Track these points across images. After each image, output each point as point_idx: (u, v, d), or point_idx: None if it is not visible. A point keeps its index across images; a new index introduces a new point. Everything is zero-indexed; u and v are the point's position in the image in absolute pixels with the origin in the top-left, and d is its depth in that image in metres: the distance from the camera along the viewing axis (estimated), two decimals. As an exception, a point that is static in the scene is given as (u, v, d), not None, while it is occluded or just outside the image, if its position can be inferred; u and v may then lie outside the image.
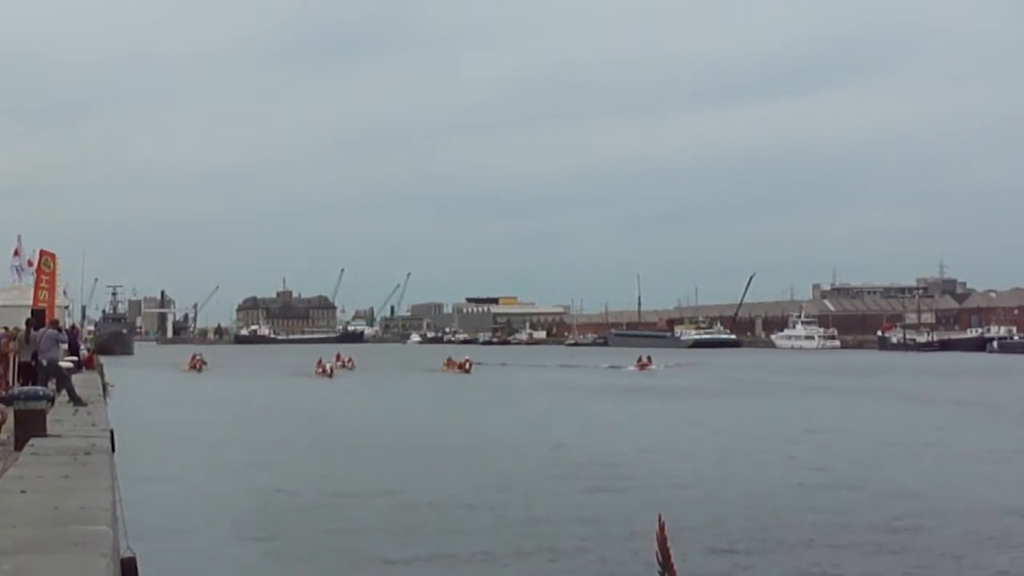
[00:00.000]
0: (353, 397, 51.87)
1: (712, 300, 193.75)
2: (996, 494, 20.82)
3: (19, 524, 5.93)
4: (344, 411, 43.13)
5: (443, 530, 17.33)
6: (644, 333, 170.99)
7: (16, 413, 10.92)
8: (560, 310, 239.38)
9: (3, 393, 14.13)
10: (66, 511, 6.44)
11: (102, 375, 28.29)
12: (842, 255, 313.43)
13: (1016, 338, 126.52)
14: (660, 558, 6.88)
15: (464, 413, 41.86)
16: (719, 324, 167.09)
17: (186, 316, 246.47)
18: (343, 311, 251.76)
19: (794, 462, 25.70)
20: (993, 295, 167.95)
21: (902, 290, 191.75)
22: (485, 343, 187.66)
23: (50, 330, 17.72)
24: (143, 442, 25.74)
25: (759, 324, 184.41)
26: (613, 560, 15.21)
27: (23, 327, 18.96)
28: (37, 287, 28.33)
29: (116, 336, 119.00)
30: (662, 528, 6.84)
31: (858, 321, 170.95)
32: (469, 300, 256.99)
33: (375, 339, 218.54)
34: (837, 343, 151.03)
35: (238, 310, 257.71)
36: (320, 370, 70.12)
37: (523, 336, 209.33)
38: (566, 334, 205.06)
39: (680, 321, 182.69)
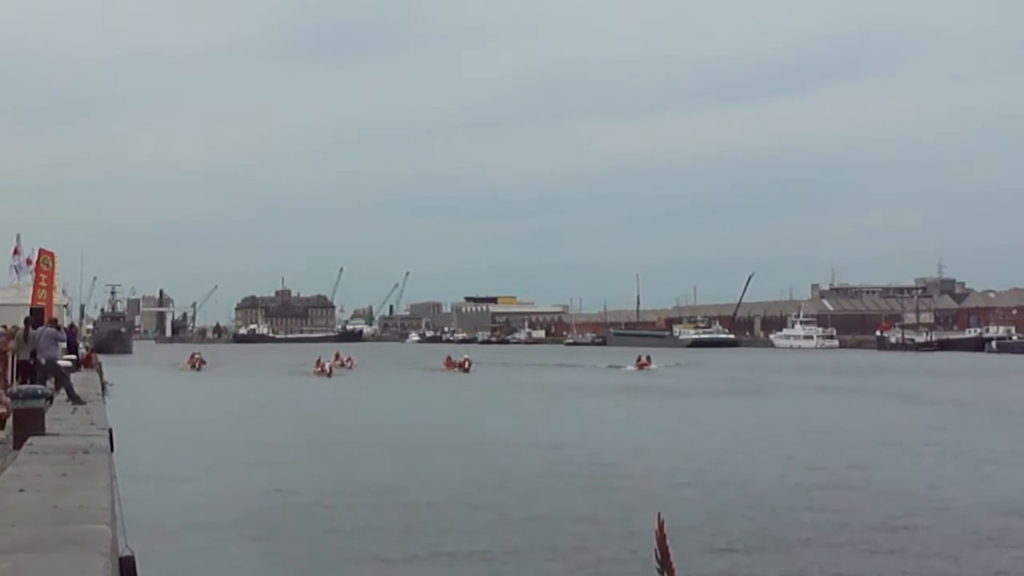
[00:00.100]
0: (352, 396, 51.83)
1: (711, 300, 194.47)
2: (995, 494, 20.83)
3: (18, 523, 5.92)
4: (343, 410, 43.12)
5: (442, 529, 17.33)
6: (643, 333, 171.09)
7: (15, 412, 10.91)
8: (559, 309, 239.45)
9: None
10: (65, 510, 6.42)
11: (101, 374, 28.32)
12: (841, 255, 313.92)
13: (1015, 338, 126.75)
14: (659, 557, 6.88)
15: (463, 412, 41.88)
16: (718, 324, 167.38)
17: (185, 315, 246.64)
18: (342, 310, 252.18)
19: (792, 462, 25.72)
20: (992, 295, 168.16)
21: (901, 290, 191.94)
22: (484, 342, 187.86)
23: (49, 329, 17.72)
24: (142, 441, 25.78)
25: (758, 324, 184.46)
26: (612, 559, 15.21)
27: (22, 325, 18.93)
28: (36, 286, 28.28)
29: (115, 335, 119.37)
30: (661, 527, 6.84)
31: (857, 321, 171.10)
32: (468, 299, 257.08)
33: (374, 338, 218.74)
34: (836, 343, 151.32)
35: (237, 309, 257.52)
36: (319, 369, 70.14)
37: (522, 335, 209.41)
38: (565, 333, 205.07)
39: (679, 321, 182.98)
